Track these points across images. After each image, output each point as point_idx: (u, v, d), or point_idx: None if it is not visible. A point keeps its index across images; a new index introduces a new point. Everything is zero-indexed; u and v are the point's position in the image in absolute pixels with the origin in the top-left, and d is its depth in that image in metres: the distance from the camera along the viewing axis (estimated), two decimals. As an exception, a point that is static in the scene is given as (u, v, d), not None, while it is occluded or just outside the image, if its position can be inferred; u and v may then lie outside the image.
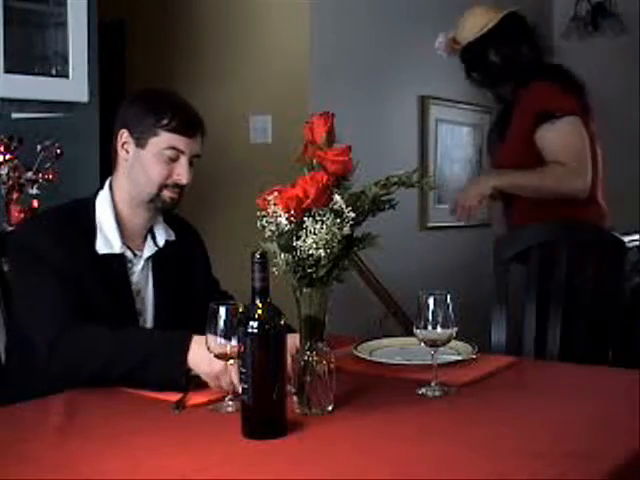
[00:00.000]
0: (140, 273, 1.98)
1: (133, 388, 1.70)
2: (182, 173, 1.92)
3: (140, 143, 1.92)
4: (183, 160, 1.93)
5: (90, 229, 1.91)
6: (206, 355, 1.62)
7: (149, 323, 1.98)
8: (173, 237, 2.04)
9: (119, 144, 1.94)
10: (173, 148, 1.91)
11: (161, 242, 2.01)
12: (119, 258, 1.93)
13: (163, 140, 1.91)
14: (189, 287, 2.05)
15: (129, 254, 1.95)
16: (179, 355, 1.68)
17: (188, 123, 1.94)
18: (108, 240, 1.91)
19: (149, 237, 2.00)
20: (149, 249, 1.99)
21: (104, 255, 1.90)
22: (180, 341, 1.70)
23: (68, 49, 2.86)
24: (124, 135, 1.93)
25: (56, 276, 1.82)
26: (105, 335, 1.75)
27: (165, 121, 1.90)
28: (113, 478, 1.26)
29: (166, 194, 1.93)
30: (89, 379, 1.73)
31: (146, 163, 1.92)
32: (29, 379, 1.86)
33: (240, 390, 1.47)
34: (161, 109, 1.91)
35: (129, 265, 1.95)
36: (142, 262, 1.98)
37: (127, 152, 1.94)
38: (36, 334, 1.80)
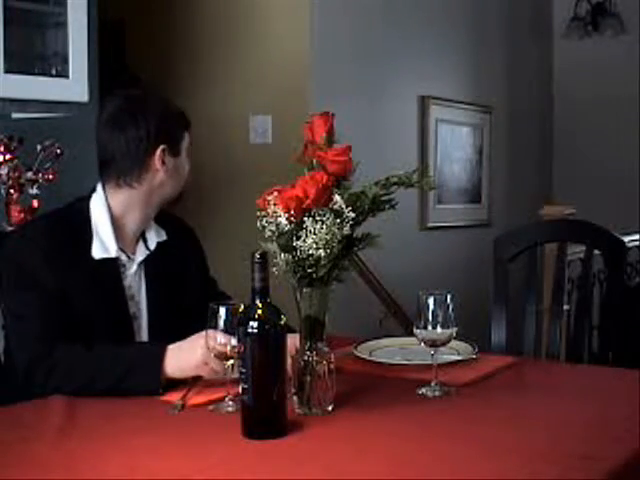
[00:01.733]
0: (133, 277, 1.96)
1: None
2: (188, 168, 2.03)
3: (175, 152, 1.96)
4: (186, 155, 2.02)
5: (86, 234, 1.89)
6: (183, 358, 1.68)
7: (144, 327, 1.96)
8: (164, 237, 2.02)
9: (157, 160, 1.92)
10: (190, 143, 2.01)
11: (152, 245, 1.99)
12: (113, 262, 1.91)
13: (187, 139, 2.00)
14: (183, 288, 2.03)
15: (124, 258, 1.94)
16: (154, 371, 1.70)
17: (188, 122, 2.03)
18: (104, 244, 1.90)
19: (141, 241, 1.99)
20: (141, 253, 1.97)
21: (99, 260, 1.89)
22: (154, 357, 1.72)
23: (68, 49, 2.85)
24: (165, 151, 1.93)
25: (40, 297, 1.81)
26: (80, 357, 1.74)
27: (186, 121, 2.00)
28: (113, 478, 1.26)
29: None
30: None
31: (183, 166, 1.99)
32: None
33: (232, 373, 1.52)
34: (181, 112, 2.00)
35: (122, 269, 1.94)
36: (135, 266, 1.96)
37: (164, 164, 1.94)
38: (15, 354, 1.83)
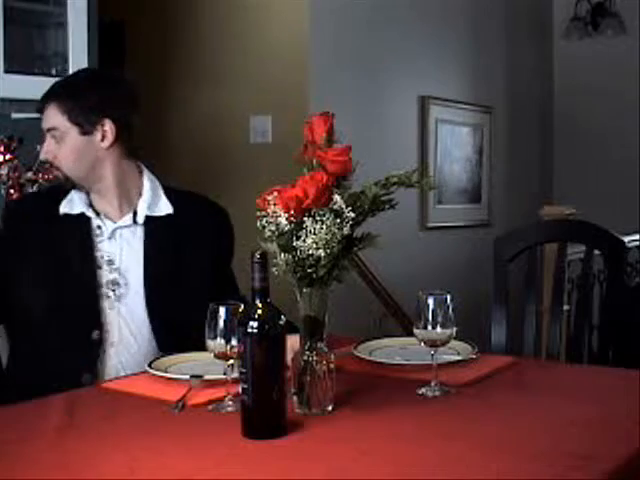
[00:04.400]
0: (110, 242, 2.01)
1: None
2: (41, 150, 2.04)
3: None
4: (46, 137, 2.01)
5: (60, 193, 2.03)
6: None
7: (142, 298, 2.00)
8: (164, 212, 2.07)
9: None
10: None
11: (141, 219, 2.04)
12: (81, 221, 2.00)
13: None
14: (185, 263, 2.06)
15: (97, 221, 2.01)
16: None
17: (40, 100, 2.01)
18: (72, 202, 2.01)
19: (131, 212, 2.04)
20: (124, 222, 2.03)
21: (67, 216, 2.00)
22: None
23: (68, 49, 2.86)
24: None
25: None
26: None
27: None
28: (113, 478, 1.26)
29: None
30: None
31: None
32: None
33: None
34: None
35: (97, 232, 2.01)
36: (110, 231, 2.01)
37: None
38: None
